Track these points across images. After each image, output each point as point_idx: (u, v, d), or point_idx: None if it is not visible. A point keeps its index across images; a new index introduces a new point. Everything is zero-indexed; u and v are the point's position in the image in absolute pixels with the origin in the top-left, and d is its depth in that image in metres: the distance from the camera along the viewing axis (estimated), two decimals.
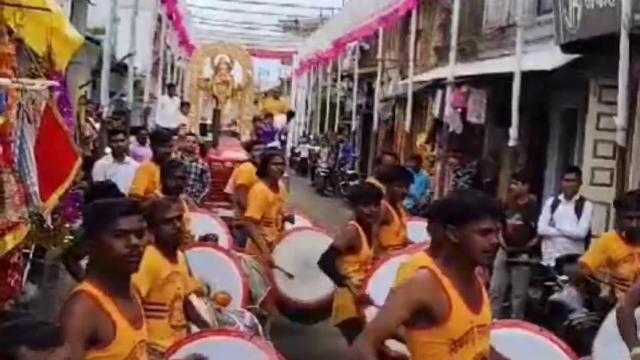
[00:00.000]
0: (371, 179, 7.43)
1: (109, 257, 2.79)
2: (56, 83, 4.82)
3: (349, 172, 20.85)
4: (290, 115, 18.55)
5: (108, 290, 2.78)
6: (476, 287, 2.99)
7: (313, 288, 6.07)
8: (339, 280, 5.48)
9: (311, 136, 28.54)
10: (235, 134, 14.04)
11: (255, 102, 20.00)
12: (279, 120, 18.63)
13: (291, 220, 7.25)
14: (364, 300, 5.30)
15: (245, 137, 14.22)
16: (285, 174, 8.26)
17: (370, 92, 21.93)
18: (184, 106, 15.48)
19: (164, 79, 21.39)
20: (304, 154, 25.87)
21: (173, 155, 8.00)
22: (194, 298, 4.62)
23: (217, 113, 13.24)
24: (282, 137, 18.53)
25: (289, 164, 22.29)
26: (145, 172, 7.25)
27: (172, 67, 22.80)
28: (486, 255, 2.90)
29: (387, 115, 20.08)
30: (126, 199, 2.88)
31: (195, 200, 8.48)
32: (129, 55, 14.14)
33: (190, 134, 10.09)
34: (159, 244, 4.10)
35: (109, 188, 4.94)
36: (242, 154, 11.47)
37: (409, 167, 10.22)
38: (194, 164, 9.10)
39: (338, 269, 5.47)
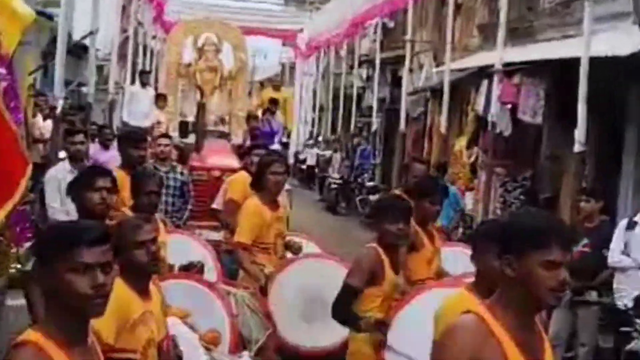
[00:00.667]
0: (396, 193, 7.42)
1: (67, 296, 2.75)
2: (2, 70, 4.89)
3: (368, 183, 20.50)
4: (273, 103, 18.14)
5: (61, 337, 2.74)
6: (536, 333, 2.97)
7: (322, 331, 6.06)
8: (359, 329, 5.40)
9: (320, 138, 28.07)
10: (224, 135, 13.87)
11: (250, 94, 19.74)
12: (280, 118, 18.53)
13: (297, 251, 7.20)
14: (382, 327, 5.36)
15: (238, 138, 14.06)
16: (288, 186, 8.35)
17: (396, 82, 21.54)
18: (160, 99, 15.35)
19: (134, 64, 20.94)
20: (311, 161, 25.62)
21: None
22: (179, 326, 4.59)
23: (201, 108, 13.18)
24: (284, 138, 18.50)
25: (292, 173, 22.08)
26: None
27: (145, 49, 22.22)
28: (553, 295, 2.87)
29: (417, 112, 19.95)
30: (93, 222, 2.82)
31: (175, 220, 8.41)
32: (90, 33, 13.97)
33: (164, 135, 9.99)
34: (128, 275, 4.06)
35: (101, 171, 5.27)
36: (233, 161, 11.36)
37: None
38: (171, 174, 8.97)
39: (357, 319, 5.39)
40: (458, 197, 13.49)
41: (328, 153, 24.68)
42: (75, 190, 5.37)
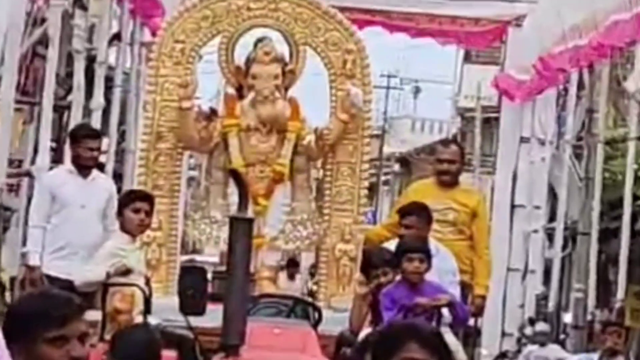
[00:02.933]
0: None
1: None
2: None
3: None
4: (419, 214, 11.41)
5: None
6: None
7: None
8: None
9: (567, 318, 18.86)
10: (302, 308, 10.49)
11: (372, 193, 15.05)
12: (449, 266, 10.73)
13: None
14: None
15: (337, 315, 10.23)
16: None
17: None
18: (130, 206, 10.34)
19: (59, 110, 15.98)
20: None
21: None
22: None
23: (240, 230, 8.79)
24: (463, 313, 10.27)
25: None
26: None
27: (90, 68, 15.71)
28: None
29: None
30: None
31: None
32: None
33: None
34: None
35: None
36: None
37: None
38: None
39: None
40: None
41: (588, 359, 14.30)
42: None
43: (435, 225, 10.49)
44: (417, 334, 4.46)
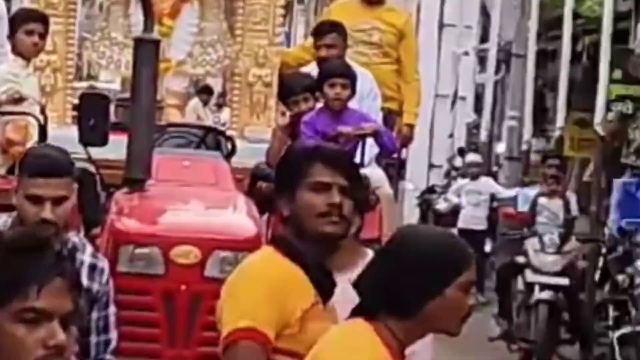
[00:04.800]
0: None
1: None
2: None
3: None
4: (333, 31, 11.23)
5: None
6: None
7: None
8: None
9: (501, 147, 17.10)
10: (213, 138, 10.84)
11: (285, 11, 13.50)
12: (368, 89, 10.58)
13: None
14: None
15: (250, 148, 10.17)
16: None
17: None
18: (24, 27, 10.07)
19: None
20: (475, 219, 16.32)
21: None
22: None
23: (144, 54, 9.31)
24: (391, 143, 10.40)
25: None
26: None
27: None
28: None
29: None
30: None
31: None
32: None
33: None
34: None
35: None
36: (242, 217, 9.00)
37: None
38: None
39: None
40: None
41: (523, 193, 14.44)
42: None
43: (359, 47, 10.43)
44: (320, 155, 4.41)
